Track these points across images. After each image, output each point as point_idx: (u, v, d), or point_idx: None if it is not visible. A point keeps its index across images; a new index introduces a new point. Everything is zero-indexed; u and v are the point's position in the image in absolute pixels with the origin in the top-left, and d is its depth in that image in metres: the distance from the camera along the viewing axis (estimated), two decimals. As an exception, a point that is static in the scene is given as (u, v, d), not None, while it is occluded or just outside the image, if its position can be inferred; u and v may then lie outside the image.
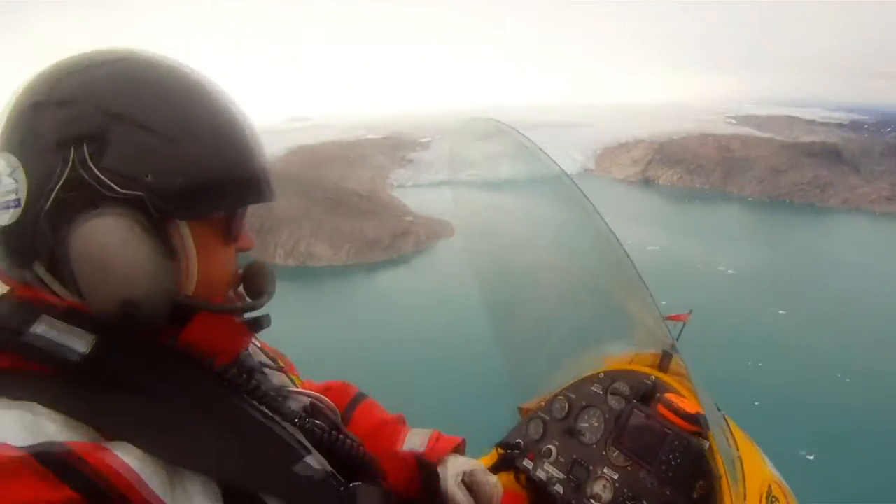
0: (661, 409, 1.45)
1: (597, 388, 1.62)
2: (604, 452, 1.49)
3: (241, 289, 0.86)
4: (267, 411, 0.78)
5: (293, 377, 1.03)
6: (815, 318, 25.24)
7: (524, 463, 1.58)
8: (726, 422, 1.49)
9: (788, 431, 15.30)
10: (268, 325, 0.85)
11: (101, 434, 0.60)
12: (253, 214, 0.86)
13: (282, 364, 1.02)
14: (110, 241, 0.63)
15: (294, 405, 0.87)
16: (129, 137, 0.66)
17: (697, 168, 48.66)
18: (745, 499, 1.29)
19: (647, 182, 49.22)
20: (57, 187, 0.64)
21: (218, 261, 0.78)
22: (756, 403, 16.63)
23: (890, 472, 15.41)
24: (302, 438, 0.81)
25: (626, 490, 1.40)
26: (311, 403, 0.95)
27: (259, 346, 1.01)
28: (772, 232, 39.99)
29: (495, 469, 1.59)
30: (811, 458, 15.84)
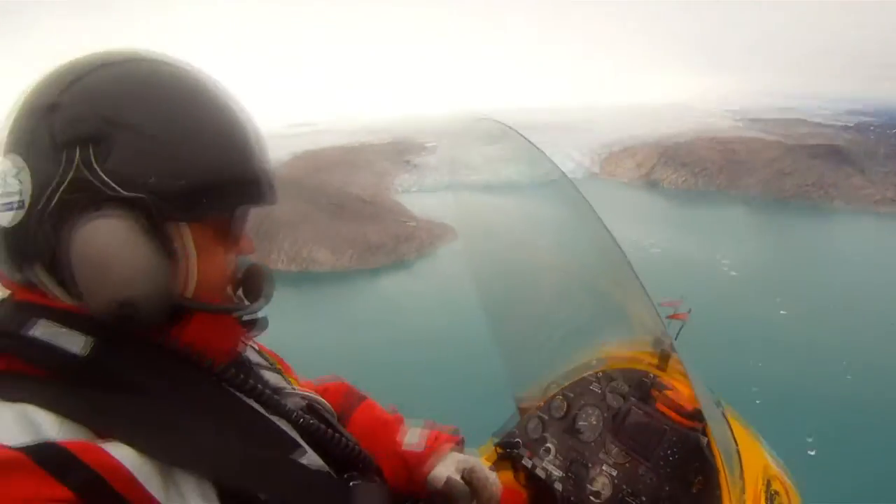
0: (660, 406, 1.46)
1: (595, 387, 1.62)
2: (603, 449, 1.50)
3: (240, 291, 0.87)
4: (263, 411, 0.79)
5: (290, 378, 1.04)
6: (817, 317, 25.06)
7: (524, 461, 1.59)
8: (725, 417, 1.49)
9: (790, 426, 15.23)
10: (265, 327, 0.86)
11: (98, 435, 0.61)
12: (255, 219, 0.86)
13: (278, 366, 1.02)
14: (111, 242, 0.64)
15: (290, 405, 0.88)
16: (133, 140, 0.67)
17: (702, 171, 48.43)
18: (743, 492, 1.29)
19: (652, 185, 49.03)
20: (61, 189, 0.65)
21: (218, 263, 0.79)
22: (757, 402, 16.60)
23: (892, 467, 15.36)
24: (298, 437, 0.82)
25: (625, 486, 1.40)
26: (308, 404, 0.96)
27: (257, 348, 1.02)
28: (776, 233, 39.72)
29: (494, 467, 1.60)
30: (812, 453, 15.85)
